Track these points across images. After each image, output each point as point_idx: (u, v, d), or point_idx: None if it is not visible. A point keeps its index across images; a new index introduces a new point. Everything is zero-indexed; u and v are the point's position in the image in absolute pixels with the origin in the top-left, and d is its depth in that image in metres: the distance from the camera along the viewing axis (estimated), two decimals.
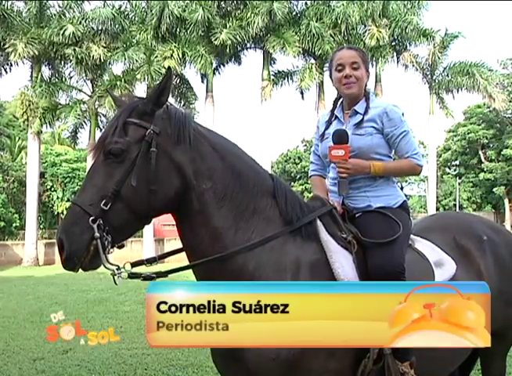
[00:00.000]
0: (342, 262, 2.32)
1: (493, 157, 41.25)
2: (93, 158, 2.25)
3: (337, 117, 2.75)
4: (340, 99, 2.78)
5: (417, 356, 2.35)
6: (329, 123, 2.76)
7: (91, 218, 2.09)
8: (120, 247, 2.22)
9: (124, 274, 2.17)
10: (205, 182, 2.24)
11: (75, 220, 2.11)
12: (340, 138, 2.55)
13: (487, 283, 2.74)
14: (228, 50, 23.95)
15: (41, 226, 28.61)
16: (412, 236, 2.74)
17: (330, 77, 2.78)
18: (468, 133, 41.84)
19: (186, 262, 2.34)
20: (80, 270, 2.16)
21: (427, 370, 2.47)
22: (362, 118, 2.63)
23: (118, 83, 23.05)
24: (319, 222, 2.43)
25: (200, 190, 2.24)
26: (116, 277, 2.16)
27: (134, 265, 2.28)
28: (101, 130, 25.32)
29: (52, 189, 28.74)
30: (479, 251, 2.87)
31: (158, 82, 2.24)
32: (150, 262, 2.36)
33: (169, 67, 2.34)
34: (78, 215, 2.11)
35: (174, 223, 2.35)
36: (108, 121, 23.71)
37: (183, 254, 2.39)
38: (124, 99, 2.40)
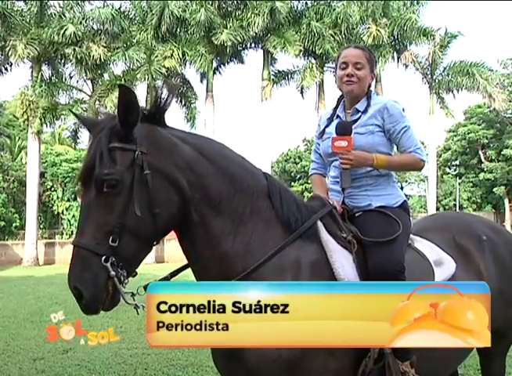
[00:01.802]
0: (342, 261, 2.31)
1: (493, 157, 41.25)
2: (84, 192, 2.09)
3: (338, 115, 2.74)
4: (344, 98, 2.77)
5: (417, 356, 2.35)
6: (330, 121, 2.76)
7: (103, 257, 1.98)
8: (134, 275, 2.14)
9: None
10: (198, 191, 2.17)
11: (86, 264, 2.00)
12: (344, 129, 2.55)
13: (487, 283, 2.75)
14: (228, 50, 23.96)
15: (41, 226, 28.61)
16: (411, 235, 2.73)
17: (335, 76, 2.78)
18: (468, 133, 41.83)
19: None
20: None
21: (427, 370, 2.46)
22: (361, 116, 2.62)
23: (118, 83, 23.06)
24: (319, 222, 2.42)
25: (196, 201, 2.16)
26: (139, 310, 2.06)
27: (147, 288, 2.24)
28: None
29: (52, 189, 28.73)
30: (478, 251, 2.87)
31: (117, 103, 2.03)
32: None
33: (120, 85, 2.13)
34: (87, 258, 2.00)
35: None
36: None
37: (183, 258, 2.37)
38: (94, 118, 2.26)
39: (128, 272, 2.06)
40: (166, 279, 2.32)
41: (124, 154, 2.06)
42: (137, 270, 2.17)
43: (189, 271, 2.38)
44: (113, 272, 1.99)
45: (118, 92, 2.05)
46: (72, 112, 2.68)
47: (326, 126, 2.75)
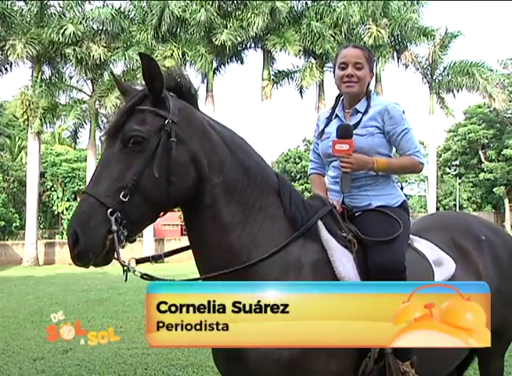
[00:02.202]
0: (343, 260, 2.31)
1: (493, 157, 41.30)
2: (108, 145, 2.13)
3: (337, 115, 2.73)
4: (342, 96, 2.76)
5: (418, 356, 2.34)
6: (329, 120, 2.75)
7: (110, 210, 1.98)
8: (132, 241, 2.13)
9: (137, 273, 2.10)
10: (217, 175, 2.20)
11: (91, 212, 1.99)
12: (345, 132, 2.53)
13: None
14: (228, 50, 23.97)
15: (41, 226, 28.63)
16: (410, 235, 2.73)
17: (334, 75, 2.77)
18: (468, 133, 41.88)
19: (186, 261, 2.32)
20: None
21: (427, 370, 2.46)
22: (361, 118, 2.62)
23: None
24: (319, 222, 2.42)
25: (213, 184, 2.19)
26: (129, 273, 2.06)
27: (139, 262, 2.22)
28: (101, 130, 25.36)
29: (52, 189, 28.75)
30: (477, 251, 2.87)
31: (142, 70, 2.13)
32: (156, 259, 2.33)
33: (140, 53, 2.20)
34: (94, 207, 2.00)
35: (176, 223, 2.31)
36: (109, 119, 23.65)
37: (184, 258, 2.36)
38: (131, 85, 2.32)
39: (129, 233, 2.06)
40: (159, 257, 2.34)
41: (156, 118, 2.11)
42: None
43: (189, 271, 2.38)
44: (114, 227, 1.98)
45: (140, 60, 2.12)
46: (112, 74, 2.77)
47: (325, 126, 2.75)
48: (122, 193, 2.01)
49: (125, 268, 2.08)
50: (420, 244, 2.75)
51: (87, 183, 2.19)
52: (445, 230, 2.94)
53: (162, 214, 2.22)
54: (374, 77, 2.79)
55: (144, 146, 2.07)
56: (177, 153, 2.10)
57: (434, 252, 2.71)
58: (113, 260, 2.08)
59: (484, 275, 2.76)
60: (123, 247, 2.04)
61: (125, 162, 2.06)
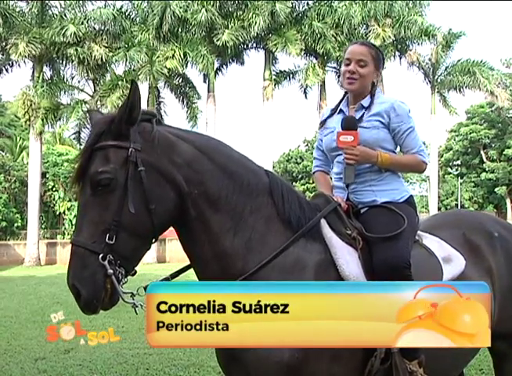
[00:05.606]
0: (347, 258, 2.28)
1: (495, 157, 41.26)
2: (79, 190, 2.11)
3: (341, 110, 2.71)
4: (348, 94, 2.74)
5: (425, 354, 2.29)
6: (333, 112, 2.73)
7: (101, 255, 1.99)
8: (133, 274, 2.14)
9: (145, 307, 2.01)
10: (196, 187, 2.16)
11: (83, 262, 2.00)
12: (350, 123, 2.51)
13: (497, 280, 2.66)
14: (230, 50, 23.97)
15: (43, 226, 28.63)
16: (419, 232, 2.68)
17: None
18: (470, 133, 41.83)
19: (187, 261, 2.31)
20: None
21: (436, 368, 2.40)
22: (364, 112, 2.60)
23: (120, 83, 23.09)
24: (322, 220, 2.38)
25: (193, 197, 2.15)
26: (137, 309, 2.05)
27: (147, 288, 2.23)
28: None
29: (54, 189, 28.75)
30: (489, 248, 2.79)
31: (126, 98, 2.08)
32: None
33: (132, 80, 2.18)
34: (84, 256, 2.00)
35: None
36: None
37: (185, 258, 2.35)
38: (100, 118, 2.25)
39: (126, 270, 2.06)
40: (166, 279, 2.32)
41: (118, 152, 2.07)
42: (136, 269, 2.16)
43: (189, 271, 2.38)
44: (110, 271, 1.99)
45: (131, 88, 2.06)
46: (83, 111, 2.73)
47: (328, 117, 2.73)
48: (107, 235, 2.01)
49: (133, 306, 2.07)
50: (429, 240, 2.69)
51: None
52: (456, 227, 2.87)
53: (154, 240, 2.19)
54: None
55: (114, 185, 2.03)
56: (149, 181, 2.06)
57: (444, 249, 2.66)
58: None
59: (495, 272, 2.71)
60: (124, 283, 2.05)
61: (101, 205, 2.04)
